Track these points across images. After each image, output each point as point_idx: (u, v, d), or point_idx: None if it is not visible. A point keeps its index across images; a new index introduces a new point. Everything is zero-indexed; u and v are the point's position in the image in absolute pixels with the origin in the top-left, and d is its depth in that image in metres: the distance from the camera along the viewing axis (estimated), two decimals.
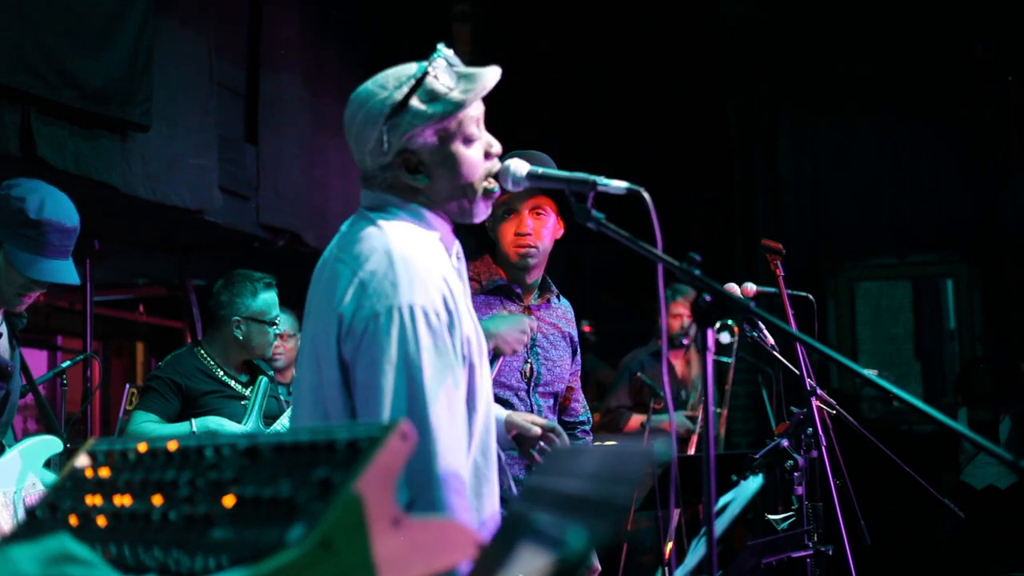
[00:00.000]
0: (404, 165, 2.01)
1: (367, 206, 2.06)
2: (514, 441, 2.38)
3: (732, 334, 5.40)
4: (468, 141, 2.03)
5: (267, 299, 4.07)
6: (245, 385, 4.07)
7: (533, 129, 8.14)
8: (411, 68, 2.02)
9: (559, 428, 2.40)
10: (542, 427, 2.44)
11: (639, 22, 8.86)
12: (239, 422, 3.90)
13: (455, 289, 1.95)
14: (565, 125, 8.86)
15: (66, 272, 3.14)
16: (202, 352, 4.06)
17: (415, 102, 1.98)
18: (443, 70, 2.01)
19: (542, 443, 2.35)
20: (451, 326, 1.90)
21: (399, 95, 1.98)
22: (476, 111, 2.05)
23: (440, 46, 2.04)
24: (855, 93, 8.88)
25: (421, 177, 2.01)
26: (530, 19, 9.01)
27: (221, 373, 4.03)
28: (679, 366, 5.95)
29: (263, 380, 4.02)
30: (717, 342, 4.72)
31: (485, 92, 2.04)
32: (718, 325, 4.40)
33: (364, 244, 1.95)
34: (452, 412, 1.88)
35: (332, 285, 1.96)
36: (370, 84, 2.04)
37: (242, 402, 4.00)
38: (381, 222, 1.99)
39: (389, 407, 1.85)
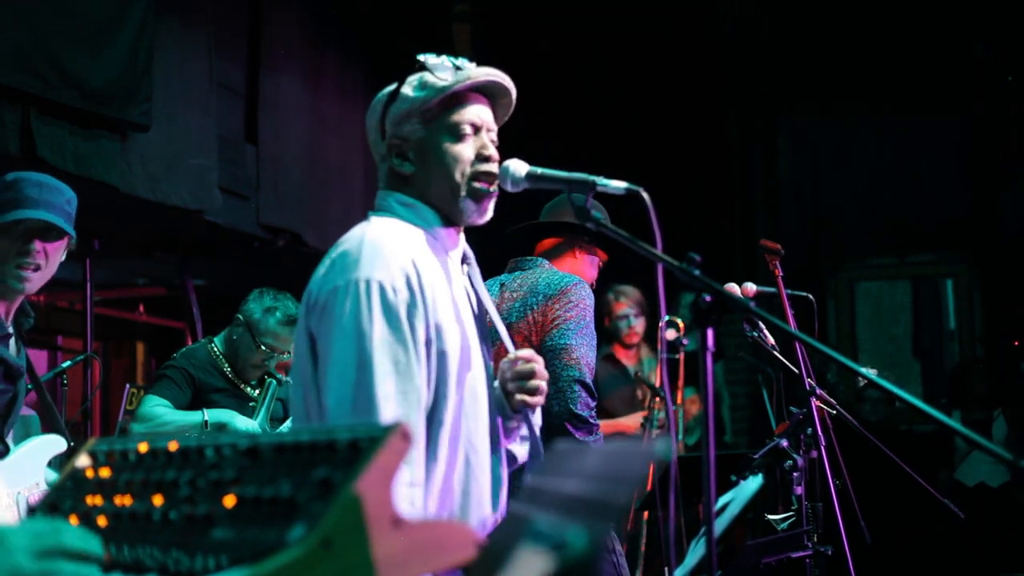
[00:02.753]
0: (395, 152, 2.09)
1: (373, 208, 2.14)
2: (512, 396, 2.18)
3: (677, 329, 5.41)
4: (455, 135, 2.06)
5: (272, 324, 4.02)
6: (254, 387, 4.08)
7: (532, 129, 8.13)
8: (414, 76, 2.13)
9: (525, 353, 2.17)
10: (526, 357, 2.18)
11: (639, 22, 8.85)
12: None
13: (425, 276, 1.97)
14: (565, 125, 8.85)
15: (48, 217, 2.96)
16: (214, 348, 4.07)
17: (406, 90, 2.08)
18: (440, 66, 2.08)
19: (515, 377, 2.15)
20: (411, 306, 1.92)
21: (395, 87, 2.10)
22: (475, 113, 2.08)
23: (452, 57, 2.13)
24: (855, 93, 8.88)
25: (407, 165, 2.08)
26: (530, 19, 9.00)
27: (231, 372, 4.04)
28: (632, 363, 5.96)
29: (271, 382, 4.03)
30: (662, 339, 4.75)
31: (470, 81, 2.08)
32: (663, 321, 4.43)
33: (348, 235, 2.03)
34: (400, 387, 1.89)
35: (314, 274, 2.04)
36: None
37: (250, 403, 4.01)
38: (373, 218, 2.08)
39: (338, 375, 1.89)
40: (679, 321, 5.46)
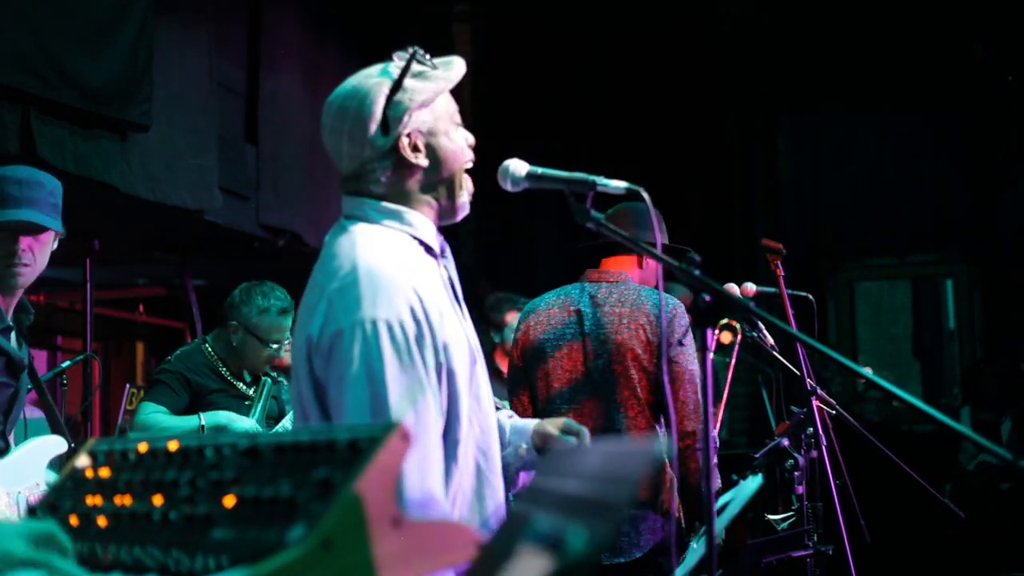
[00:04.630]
0: (408, 146, 2.00)
1: (347, 214, 2.05)
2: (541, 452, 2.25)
3: (734, 333, 5.32)
4: (456, 124, 2.06)
5: (272, 322, 4.00)
6: (248, 385, 4.08)
7: (533, 129, 8.15)
8: (379, 67, 2.04)
9: (585, 431, 2.26)
10: (576, 435, 2.25)
11: (639, 22, 8.85)
12: None
13: (427, 297, 1.91)
14: (564, 125, 8.86)
15: (29, 216, 2.99)
16: (208, 349, 4.06)
17: (410, 81, 1.99)
18: (424, 56, 2.04)
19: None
20: (419, 336, 1.87)
21: (395, 74, 1.99)
22: (454, 102, 2.08)
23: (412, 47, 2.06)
24: (855, 93, 8.88)
25: (422, 156, 2.01)
26: (530, 19, 9.01)
27: (226, 372, 4.04)
28: None
29: (267, 381, 4.03)
30: (718, 342, 4.74)
31: (460, 78, 2.07)
32: (720, 324, 4.45)
33: (335, 261, 1.94)
34: (421, 426, 1.85)
35: (307, 304, 1.96)
36: (351, 82, 2.05)
37: (246, 402, 4.01)
38: (355, 232, 1.98)
39: (353, 422, 1.84)
40: (736, 325, 5.36)
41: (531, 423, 2.30)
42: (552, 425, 2.28)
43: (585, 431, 2.24)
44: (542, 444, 2.26)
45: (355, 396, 1.84)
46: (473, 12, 9.08)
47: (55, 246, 3.13)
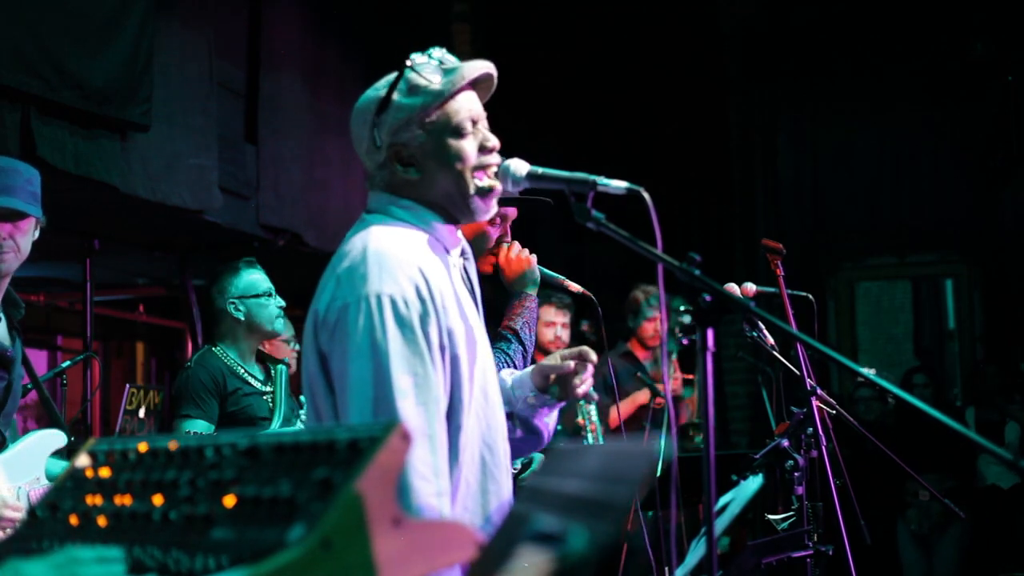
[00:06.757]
0: (396, 160, 2.05)
1: (367, 209, 2.11)
2: (555, 387, 2.26)
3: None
4: (458, 134, 2.04)
5: (251, 276, 4.05)
6: (263, 382, 4.05)
7: (533, 129, 8.14)
8: (390, 77, 2.08)
9: (586, 349, 2.24)
10: (576, 357, 2.22)
11: (639, 22, 8.85)
12: (266, 417, 3.89)
13: (434, 282, 1.96)
14: (565, 125, 8.86)
15: (5, 202, 3.01)
16: (220, 352, 4.02)
17: (397, 97, 2.03)
18: (426, 66, 2.05)
19: (579, 376, 2.21)
20: (424, 315, 1.92)
21: (384, 92, 2.05)
22: (468, 107, 2.07)
23: (432, 48, 2.07)
24: (855, 93, 8.88)
25: (412, 170, 2.05)
26: (530, 19, 9.01)
27: (242, 371, 4.01)
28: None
29: (282, 369, 4.01)
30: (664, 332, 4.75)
31: (466, 82, 2.06)
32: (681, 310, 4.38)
33: (348, 245, 2.01)
34: (422, 400, 1.89)
35: (319, 287, 2.02)
36: (367, 92, 2.11)
37: (264, 397, 3.98)
38: (372, 224, 2.04)
39: (356, 393, 1.88)
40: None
41: (528, 370, 2.30)
42: (551, 359, 2.27)
43: (588, 350, 2.23)
44: (543, 383, 2.26)
45: (359, 368, 1.88)
46: (473, 12, 9.08)
47: (37, 235, 3.15)
